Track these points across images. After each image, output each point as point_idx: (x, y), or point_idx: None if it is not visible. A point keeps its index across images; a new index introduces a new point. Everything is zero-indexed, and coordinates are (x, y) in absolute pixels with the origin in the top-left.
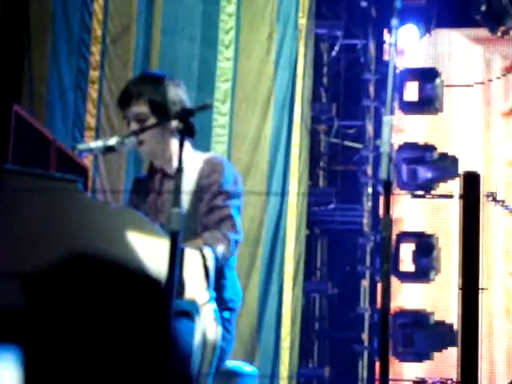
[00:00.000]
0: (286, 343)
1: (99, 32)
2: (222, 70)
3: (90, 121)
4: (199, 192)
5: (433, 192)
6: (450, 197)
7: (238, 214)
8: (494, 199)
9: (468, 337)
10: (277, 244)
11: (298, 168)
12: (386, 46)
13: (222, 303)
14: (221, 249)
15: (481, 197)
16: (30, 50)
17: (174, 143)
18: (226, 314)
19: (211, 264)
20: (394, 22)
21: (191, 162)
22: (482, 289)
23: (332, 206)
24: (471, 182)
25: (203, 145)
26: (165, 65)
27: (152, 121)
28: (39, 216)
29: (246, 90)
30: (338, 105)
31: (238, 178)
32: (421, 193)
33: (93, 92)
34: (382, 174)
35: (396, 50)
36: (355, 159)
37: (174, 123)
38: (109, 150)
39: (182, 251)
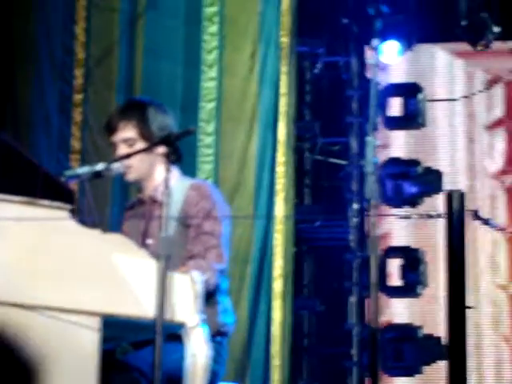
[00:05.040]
0: (276, 361)
1: (82, 55)
2: (206, 89)
3: (75, 144)
4: (187, 218)
5: (418, 206)
6: (438, 216)
7: (226, 241)
8: (478, 217)
9: (456, 352)
10: (265, 262)
11: (284, 186)
12: (368, 62)
13: (215, 328)
14: (204, 277)
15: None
16: (14, 75)
17: (161, 169)
18: (218, 338)
19: (200, 288)
20: (375, 42)
21: (178, 188)
22: (469, 307)
23: (318, 223)
24: (455, 200)
25: (190, 165)
26: (148, 86)
27: (139, 146)
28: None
29: (231, 109)
30: (322, 122)
31: (224, 203)
32: (406, 211)
33: (77, 115)
34: (367, 195)
35: (377, 70)
36: (340, 176)
37: (161, 149)
38: (96, 175)
39: (171, 275)
